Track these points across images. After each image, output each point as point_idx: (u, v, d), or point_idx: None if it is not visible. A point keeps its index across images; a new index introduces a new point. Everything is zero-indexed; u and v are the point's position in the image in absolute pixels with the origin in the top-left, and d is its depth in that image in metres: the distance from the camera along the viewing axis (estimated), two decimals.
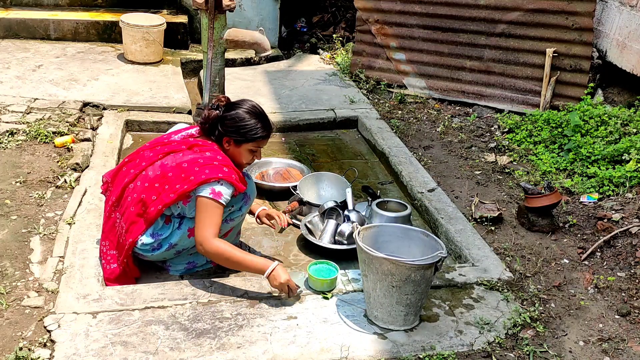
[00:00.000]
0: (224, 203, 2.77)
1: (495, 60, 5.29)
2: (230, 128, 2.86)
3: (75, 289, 2.74)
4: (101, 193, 3.16)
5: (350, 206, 3.60)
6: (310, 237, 3.41)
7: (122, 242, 2.90)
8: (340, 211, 3.56)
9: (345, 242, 3.37)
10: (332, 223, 3.48)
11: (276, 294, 2.79)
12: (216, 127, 2.89)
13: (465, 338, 2.65)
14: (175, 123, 4.56)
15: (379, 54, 5.74)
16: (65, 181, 3.61)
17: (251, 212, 3.35)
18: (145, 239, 2.88)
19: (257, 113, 2.92)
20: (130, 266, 2.93)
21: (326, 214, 3.56)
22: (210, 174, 2.74)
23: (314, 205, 3.68)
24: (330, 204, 3.59)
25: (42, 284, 2.77)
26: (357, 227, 2.74)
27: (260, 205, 3.38)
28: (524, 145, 4.58)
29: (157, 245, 2.91)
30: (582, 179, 4.02)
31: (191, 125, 3.15)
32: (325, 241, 3.42)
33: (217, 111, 2.90)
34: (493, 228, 3.55)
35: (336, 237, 3.42)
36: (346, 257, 3.30)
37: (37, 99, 4.66)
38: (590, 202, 3.76)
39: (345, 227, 3.41)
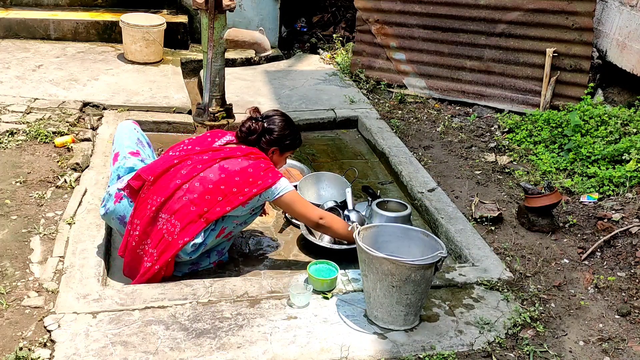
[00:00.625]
0: None
1: (495, 60, 5.29)
2: (280, 139, 3.16)
3: (75, 289, 2.74)
4: (125, 188, 3.01)
5: (350, 206, 3.60)
6: (310, 237, 3.41)
7: (172, 240, 2.89)
8: (340, 211, 3.57)
9: (346, 242, 3.37)
10: None
11: None
12: (262, 138, 3.13)
13: (465, 338, 2.65)
14: (175, 123, 4.63)
15: (379, 53, 5.74)
16: (65, 181, 3.61)
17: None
18: (197, 239, 2.93)
19: (293, 122, 3.27)
20: (170, 267, 2.96)
21: None
22: (273, 177, 3.00)
23: (314, 205, 3.67)
24: (330, 204, 3.60)
25: (42, 284, 2.77)
26: (357, 227, 2.75)
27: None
28: (524, 145, 4.58)
29: (197, 247, 2.96)
30: (582, 179, 4.02)
31: (217, 130, 3.38)
32: (325, 241, 3.43)
33: (262, 122, 3.12)
34: (493, 228, 3.55)
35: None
36: (347, 258, 3.30)
37: (37, 99, 4.67)
38: (590, 202, 3.76)
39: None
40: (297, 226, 3.58)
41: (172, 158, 3.06)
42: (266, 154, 3.13)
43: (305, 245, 3.47)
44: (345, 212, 3.55)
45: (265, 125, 3.13)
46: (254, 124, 3.13)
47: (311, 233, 3.47)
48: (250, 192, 2.94)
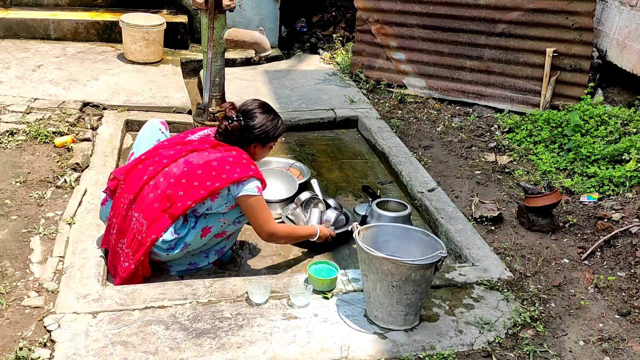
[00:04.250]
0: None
1: (495, 60, 5.29)
2: (261, 134, 3.03)
3: (75, 288, 2.74)
4: (104, 190, 3.09)
5: (320, 196, 3.67)
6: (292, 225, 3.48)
7: (141, 239, 2.88)
8: (320, 199, 3.63)
9: (332, 228, 3.44)
10: (316, 212, 3.52)
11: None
12: (242, 136, 3.02)
13: (466, 338, 2.65)
14: (175, 123, 4.63)
15: (379, 53, 5.74)
16: (65, 181, 3.61)
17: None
18: (166, 235, 2.89)
19: (272, 110, 3.12)
20: (145, 265, 2.93)
21: (304, 205, 3.61)
22: (241, 172, 2.87)
23: (274, 202, 3.70)
24: (307, 195, 3.64)
25: (42, 283, 2.77)
26: (357, 227, 2.75)
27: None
28: (524, 145, 4.58)
29: (173, 244, 2.92)
30: (582, 179, 4.02)
31: (200, 127, 3.23)
32: None
33: (238, 122, 3.00)
34: (493, 228, 3.55)
35: (323, 225, 3.48)
36: (334, 243, 3.42)
37: (37, 98, 4.67)
38: (590, 202, 3.76)
39: (330, 214, 3.51)
40: (293, 222, 3.58)
41: (141, 154, 3.04)
42: (248, 148, 3.05)
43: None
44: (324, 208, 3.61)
45: (243, 123, 3.00)
46: (230, 125, 2.99)
47: (293, 222, 3.53)
48: (212, 186, 2.83)
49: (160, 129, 3.30)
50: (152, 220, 2.87)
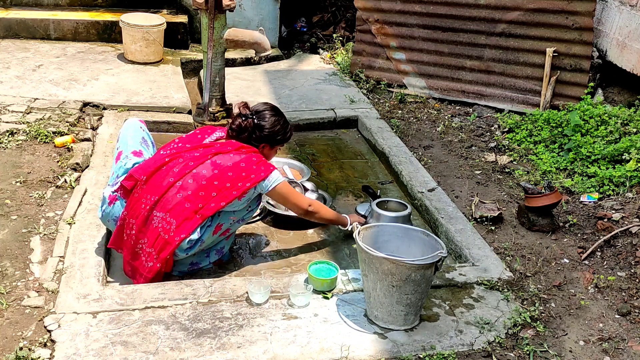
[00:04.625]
0: None
1: (495, 59, 5.29)
2: (270, 135, 3.15)
3: (75, 288, 2.74)
4: (117, 190, 3.03)
5: (294, 179, 3.84)
6: (277, 210, 3.61)
7: (168, 238, 2.89)
8: (298, 183, 3.77)
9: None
10: None
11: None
12: (253, 134, 3.12)
13: (466, 338, 2.65)
14: (175, 123, 4.63)
15: (379, 53, 5.74)
16: (65, 181, 3.61)
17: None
18: (193, 235, 2.93)
19: (282, 115, 3.24)
20: (169, 264, 2.96)
21: None
22: (265, 170, 3.02)
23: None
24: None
25: (42, 283, 2.77)
26: (358, 227, 2.75)
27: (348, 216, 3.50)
28: (524, 144, 4.58)
29: (193, 244, 2.95)
30: (582, 179, 4.02)
31: (207, 127, 3.30)
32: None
33: (252, 119, 3.11)
34: (493, 228, 3.55)
35: None
36: (313, 223, 3.60)
37: (37, 98, 4.67)
38: (590, 202, 3.76)
39: (309, 196, 3.64)
40: (273, 206, 3.66)
41: (164, 157, 3.05)
42: (256, 148, 3.14)
43: (275, 220, 3.67)
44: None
45: (256, 121, 3.12)
46: (244, 122, 3.11)
47: (273, 206, 3.66)
48: (244, 187, 2.95)
49: (140, 127, 3.31)
50: (183, 219, 2.90)
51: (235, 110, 3.21)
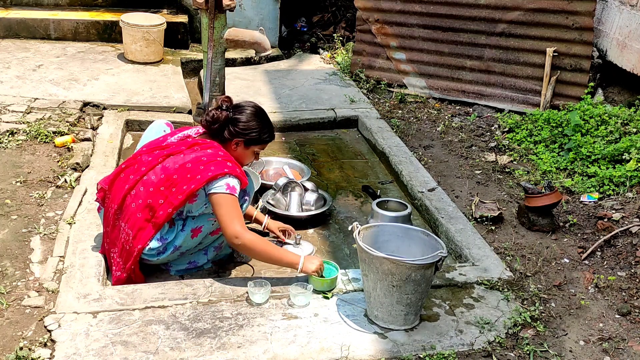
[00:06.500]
0: (237, 196, 2.81)
1: (495, 59, 5.29)
2: (244, 130, 2.94)
3: (75, 288, 2.74)
4: (95, 201, 3.08)
5: (295, 180, 3.84)
6: (278, 210, 3.61)
7: (129, 249, 2.87)
8: (298, 183, 3.77)
9: (313, 208, 3.60)
10: (295, 195, 3.68)
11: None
12: (225, 128, 2.94)
13: (466, 337, 2.65)
14: (175, 123, 4.60)
15: (379, 53, 5.74)
16: (65, 181, 3.61)
17: (256, 221, 3.40)
18: (152, 244, 2.88)
19: (265, 115, 3.05)
20: (136, 273, 2.92)
21: (283, 189, 3.71)
22: (215, 170, 2.77)
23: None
24: (285, 180, 3.77)
25: (42, 283, 2.77)
26: (358, 227, 2.75)
27: (264, 215, 3.42)
28: (524, 144, 4.58)
29: (162, 249, 2.91)
30: (582, 179, 4.02)
31: (183, 127, 3.16)
32: (293, 211, 3.62)
33: (228, 112, 2.94)
34: (493, 227, 3.55)
35: (303, 207, 3.65)
36: (313, 223, 3.64)
37: (37, 98, 4.67)
38: (590, 202, 3.76)
39: (309, 197, 3.67)
40: (273, 206, 3.66)
41: (122, 163, 3.02)
42: (229, 145, 2.97)
43: (275, 219, 3.56)
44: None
45: (231, 115, 2.94)
46: (218, 113, 2.93)
47: (274, 206, 3.64)
48: (189, 189, 2.77)
49: (164, 130, 3.28)
50: (137, 230, 2.86)
51: (215, 104, 3.05)
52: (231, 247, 2.88)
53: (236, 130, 2.94)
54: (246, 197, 3.02)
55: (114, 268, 2.93)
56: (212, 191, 2.77)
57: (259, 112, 3.01)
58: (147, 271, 3.02)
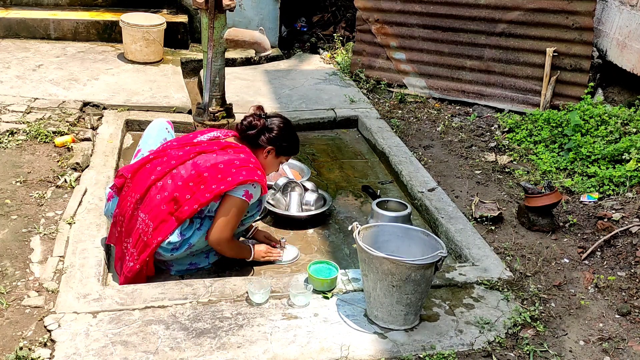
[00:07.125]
0: (249, 203, 2.95)
1: (495, 59, 5.29)
2: (280, 139, 3.07)
3: (75, 288, 2.74)
4: (111, 187, 3.08)
5: (295, 180, 3.86)
6: (278, 210, 3.61)
7: (147, 240, 2.88)
8: (298, 183, 3.79)
9: (313, 208, 3.61)
10: (295, 195, 3.68)
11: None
12: (261, 135, 3.04)
13: (466, 337, 2.65)
14: (175, 123, 4.58)
15: (379, 53, 5.74)
16: (65, 181, 3.61)
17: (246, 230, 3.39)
18: (172, 237, 2.89)
19: (294, 128, 3.19)
20: (149, 266, 2.93)
21: (283, 189, 3.73)
22: (247, 175, 2.86)
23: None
24: (284, 180, 3.79)
25: (42, 283, 2.77)
26: (357, 227, 2.75)
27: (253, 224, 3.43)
28: (524, 144, 4.58)
29: (178, 245, 2.93)
30: (582, 179, 4.02)
31: (210, 128, 3.29)
32: (293, 211, 3.62)
33: (264, 119, 3.05)
34: (493, 227, 3.55)
35: (303, 207, 3.65)
36: (313, 223, 3.65)
37: (37, 98, 4.67)
38: (590, 202, 3.76)
39: (309, 196, 3.68)
40: (273, 206, 3.66)
41: (150, 154, 3.05)
42: (260, 152, 3.06)
43: (275, 220, 3.68)
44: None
45: (268, 122, 3.06)
46: (255, 120, 3.05)
47: (274, 206, 3.66)
48: (218, 189, 2.84)
49: (166, 128, 3.33)
50: (159, 222, 2.87)
51: (250, 111, 3.14)
52: (212, 243, 2.96)
53: (271, 138, 3.04)
54: (260, 207, 3.10)
55: (127, 258, 2.92)
56: (231, 193, 2.86)
57: (288, 124, 3.14)
58: None
